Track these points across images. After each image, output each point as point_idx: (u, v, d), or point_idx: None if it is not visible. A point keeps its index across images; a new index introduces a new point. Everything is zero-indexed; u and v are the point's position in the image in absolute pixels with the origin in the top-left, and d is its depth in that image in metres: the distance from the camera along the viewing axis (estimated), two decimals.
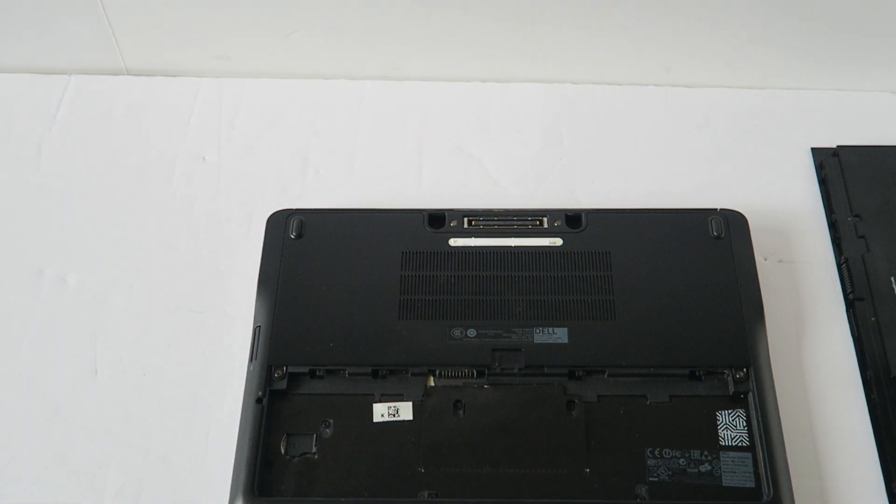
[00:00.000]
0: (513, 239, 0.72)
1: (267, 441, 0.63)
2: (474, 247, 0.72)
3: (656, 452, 0.63)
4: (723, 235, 0.71)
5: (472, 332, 0.67)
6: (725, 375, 0.66)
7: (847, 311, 0.73)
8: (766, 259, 0.75)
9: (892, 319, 0.70)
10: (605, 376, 0.66)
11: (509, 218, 0.73)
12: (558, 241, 0.72)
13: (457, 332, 0.67)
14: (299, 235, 0.72)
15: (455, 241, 0.72)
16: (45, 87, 0.86)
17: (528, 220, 0.73)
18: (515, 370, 0.66)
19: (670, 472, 0.62)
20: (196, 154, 0.82)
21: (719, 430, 0.64)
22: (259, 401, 0.65)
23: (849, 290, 0.73)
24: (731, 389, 0.65)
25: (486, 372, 0.66)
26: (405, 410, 0.65)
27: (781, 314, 0.72)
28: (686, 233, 0.72)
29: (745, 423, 0.64)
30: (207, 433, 0.67)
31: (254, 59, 0.86)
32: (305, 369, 0.66)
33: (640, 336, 0.67)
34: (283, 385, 0.65)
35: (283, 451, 0.63)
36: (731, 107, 0.85)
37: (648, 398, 0.65)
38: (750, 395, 0.65)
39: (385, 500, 0.61)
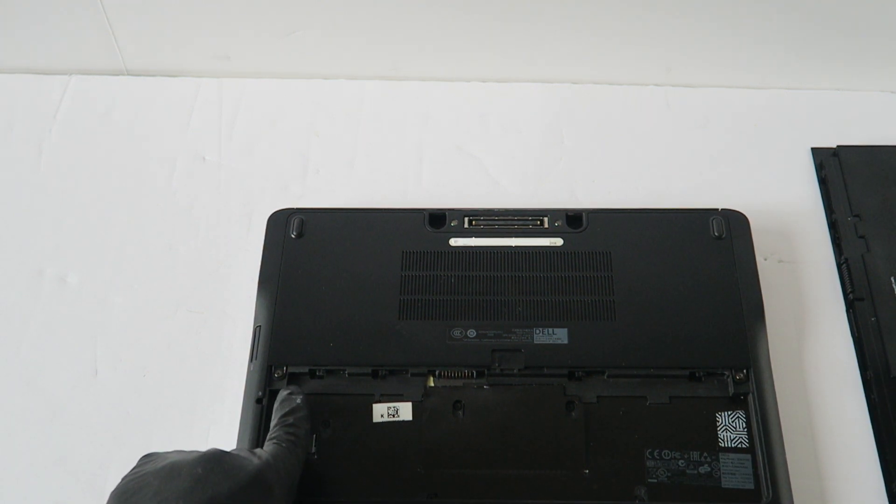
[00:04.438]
0: (513, 239, 0.72)
1: None
2: (475, 247, 0.71)
3: (656, 454, 0.63)
4: (724, 235, 0.71)
5: (472, 333, 0.67)
6: (725, 376, 0.66)
7: (847, 311, 0.73)
8: (766, 259, 0.75)
9: (892, 319, 0.70)
10: (605, 377, 0.66)
11: (510, 218, 0.73)
12: (559, 241, 0.72)
13: (457, 333, 0.67)
14: (300, 235, 0.72)
15: (455, 241, 0.72)
16: (45, 87, 0.86)
17: (528, 219, 0.73)
18: (515, 371, 0.66)
19: (669, 474, 0.62)
20: (196, 154, 0.82)
21: (719, 432, 0.64)
22: (259, 401, 0.65)
23: (849, 290, 0.73)
24: (731, 391, 0.65)
25: (486, 372, 0.66)
26: (405, 411, 0.65)
27: (781, 314, 0.72)
28: (687, 233, 0.72)
29: (744, 425, 0.64)
30: (207, 433, 0.68)
31: (254, 59, 0.86)
32: (305, 369, 0.66)
33: (640, 337, 0.67)
34: (283, 385, 0.65)
35: None
36: (731, 107, 0.85)
37: (648, 399, 0.65)
38: (750, 397, 0.65)
39: (384, 501, 0.61)
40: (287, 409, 0.61)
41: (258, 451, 0.57)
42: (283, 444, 0.58)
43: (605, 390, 0.66)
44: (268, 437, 0.60)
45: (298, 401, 0.62)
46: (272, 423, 0.61)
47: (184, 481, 0.51)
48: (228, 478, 0.52)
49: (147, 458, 0.55)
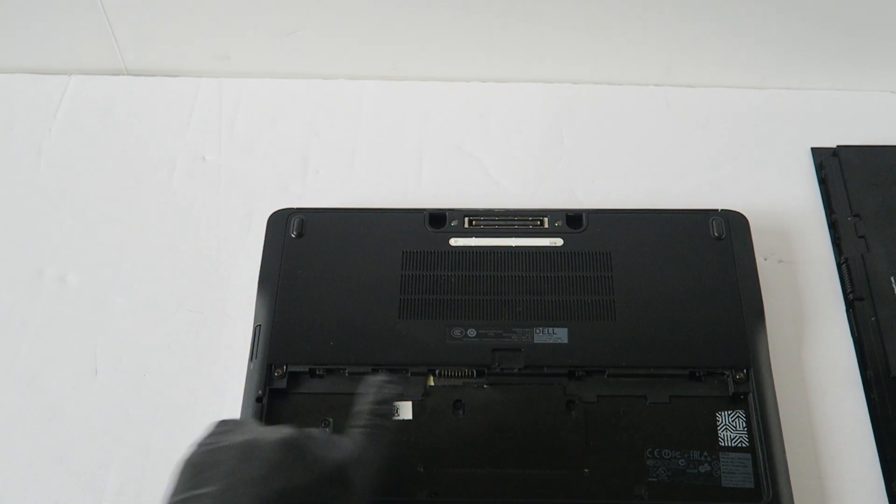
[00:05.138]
0: (513, 239, 0.72)
1: None
2: (475, 246, 0.71)
3: (656, 453, 0.63)
4: (724, 236, 0.71)
5: (472, 332, 0.67)
6: (725, 376, 0.66)
7: (847, 311, 0.73)
8: (766, 259, 0.75)
9: (892, 319, 0.70)
10: (605, 376, 0.66)
11: (510, 218, 0.73)
12: (559, 242, 0.72)
13: (457, 332, 0.67)
14: (300, 234, 0.72)
15: (455, 241, 0.72)
16: (45, 87, 0.86)
17: (528, 220, 0.73)
18: (515, 370, 0.66)
19: (669, 473, 0.62)
20: (196, 154, 0.82)
21: (719, 431, 0.64)
22: (259, 400, 0.65)
23: (849, 290, 0.73)
24: (731, 390, 0.65)
25: (486, 372, 0.66)
26: (405, 410, 0.65)
27: (781, 314, 0.72)
28: (687, 233, 0.72)
29: (744, 424, 0.64)
30: None
31: (254, 59, 0.86)
32: (305, 368, 0.66)
33: (640, 336, 0.67)
34: (283, 384, 0.66)
35: None
36: (731, 107, 0.85)
37: (648, 398, 0.65)
38: (750, 396, 0.65)
39: (384, 500, 0.61)
40: (382, 398, 0.56)
41: (344, 439, 0.53)
42: (375, 436, 0.54)
43: (605, 390, 0.66)
44: (355, 423, 0.55)
45: (396, 392, 0.58)
46: (361, 409, 0.56)
47: (259, 466, 0.48)
48: (305, 469, 0.49)
49: (224, 426, 0.52)
